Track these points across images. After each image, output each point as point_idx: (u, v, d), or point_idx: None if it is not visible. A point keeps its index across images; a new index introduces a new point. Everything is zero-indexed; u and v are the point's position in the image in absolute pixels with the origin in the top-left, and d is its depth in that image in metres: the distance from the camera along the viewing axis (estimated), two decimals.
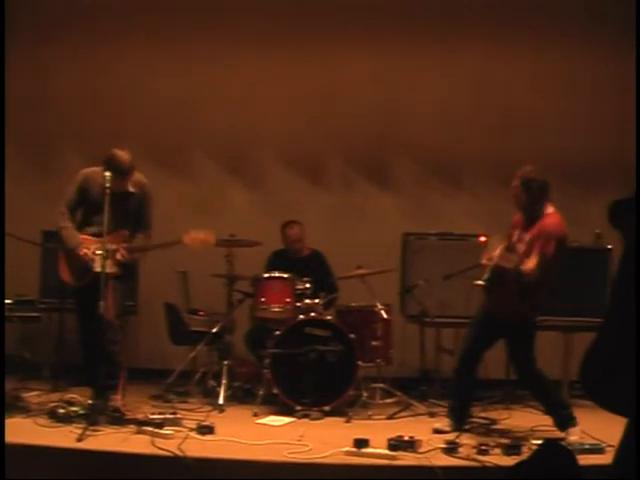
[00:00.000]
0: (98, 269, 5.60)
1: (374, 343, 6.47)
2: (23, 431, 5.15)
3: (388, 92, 7.86)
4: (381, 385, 6.54)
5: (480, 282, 5.38)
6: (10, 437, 4.71)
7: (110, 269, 5.57)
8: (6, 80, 7.50)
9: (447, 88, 7.84)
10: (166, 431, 5.22)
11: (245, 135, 7.88)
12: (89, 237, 5.79)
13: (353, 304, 6.79)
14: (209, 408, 6.15)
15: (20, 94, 7.66)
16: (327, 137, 7.88)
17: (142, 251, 5.89)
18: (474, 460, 4.84)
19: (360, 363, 6.22)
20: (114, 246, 5.64)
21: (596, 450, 5.02)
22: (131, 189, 5.83)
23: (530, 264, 5.19)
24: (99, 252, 5.58)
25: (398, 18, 7.80)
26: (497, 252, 5.28)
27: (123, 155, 5.71)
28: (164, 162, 7.81)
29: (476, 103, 7.80)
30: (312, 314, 6.43)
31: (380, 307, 6.52)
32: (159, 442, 4.99)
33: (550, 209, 5.38)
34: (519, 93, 7.81)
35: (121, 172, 5.67)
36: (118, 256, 5.65)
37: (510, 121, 7.79)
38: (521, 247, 5.34)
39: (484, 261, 5.38)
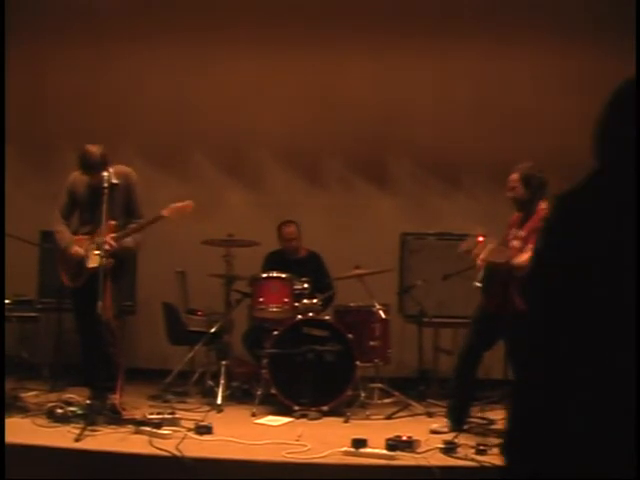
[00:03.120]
0: (91, 265, 5.61)
1: (372, 343, 6.47)
2: (21, 431, 5.15)
3: (386, 92, 7.86)
4: (379, 385, 6.54)
5: (477, 284, 5.38)
6: (8, 437, 4.72)
7: (100, 263, 5.55)
8: (6, 80, 7.50)
9: (446, 88, 7.84)
10: (164, 431, 5.22)
11: (243, 135, 7.89)
12: (82, 237, 5.81)
13: (351, 304, 6.79)
14: (207, 408, 6.15)
15: (20, 94, 7.67)
16: (325, 137, 7.88)
17: (128, 236, 5.81)
18: (472, 460, 4.83)
19: (358, 363, 6.22)
20: (102, 238, 5.63)
21: None
22: (114, 180, 5.75)
23: (523, 258, 5.20)
24: (96, 251, 5.58)
25: (397, 18, 7.80)
26: (488, 249, 5.29)
27: (93, 150, 5.67)
28: (163, 162, 7.82)
29: (475, 103, 7.80)
30: (310, 314, 6.43)
31: (378, 307, 6.52)
32: (157, 442, 4.99)
33: (544, 205, 5.38)
34: (518, 93, 7.80)
35: (93, 167, 5.65)
36: (106, 246, 5.62)
37: (509, 121, 7.78)
38: (516, 244, 5.35)
39: (479, 261, 5.38)
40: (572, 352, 1.81)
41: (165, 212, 5.76)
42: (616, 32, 7.47)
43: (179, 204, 5.79)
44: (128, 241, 5.81)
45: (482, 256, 5.28)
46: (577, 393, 1.80)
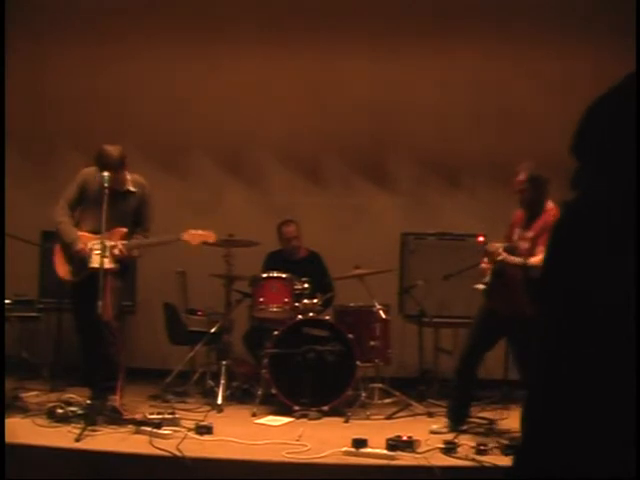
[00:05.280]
0: (94, 265, 5.61)
1: (372, 343, 6.47)
2: (21, 431, 5.14)
3: (386, 92, 7.86)
4: (379, 385, 6.54)
5: (480, 286, 5.37)
6: (8, 437, 4.71)
7: (108, 265, 5.56)
8: (6, 80, 7.50)
9: (445, 88, 7.84)
10: (164, 431, 5.21)
11: (244, 135, 7.89)
12: (87, 234, 5.80)
13: (351, 304, 6.79)
14: (207, 408, 6.15)
15: (20, 94, 7.66)
16: (325, 137, 7.88)
17: (140, 247, 5.87)
18: (473, 460, 4.84)
19: (359, 363, 6.22)
20: (111, 242, 5.64)
21: None
22: (131, 188, 5.83)
23: (538, 258, 5.19)
24: (97, 250, 5.58)
25: (397, 18, 7.81)
26: (500, 251, 5.28)
27: (112, 150, 5.68)
28: (163, 162, 7.82)
29: (474, 102, 7.80)
30: (310, 314, 6.43)
31: (379, 307, 6.52)
32: (157, 442, 4.98)
33: (550, 205, 5.39)
34: (518, 92, 7.80)
35: (110, 167, 5.64)
36: (116, 251, 5.64)
37: (509, 120, 7.79)
38: (524, 245, 5.34)
39: (483, 265, 5.38)
40: (580, 357, 1.81)
41: (186, 237, 5.80)
42: (616, 32, 7.46)
43: (201, 232, 5.83)
44: (136, 251, 5.85)
45: (501, 256, 5.25)
46: (593, 395, 1.80)
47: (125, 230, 5.77)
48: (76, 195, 5.88)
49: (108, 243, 5.61)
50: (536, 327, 1.95)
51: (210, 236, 5.89)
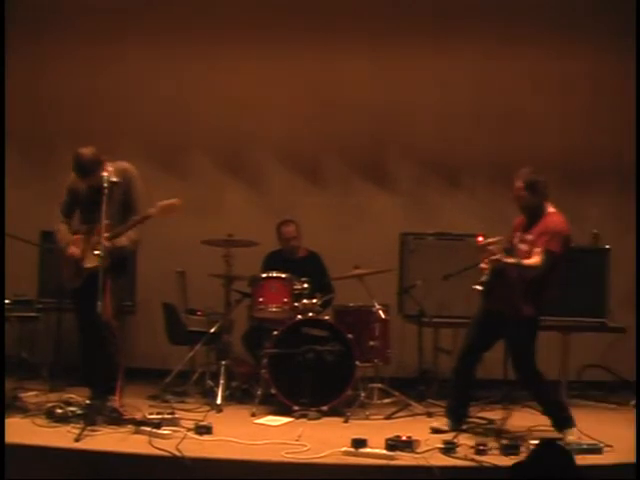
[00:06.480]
0: (88, 265, 5.62)
1: (372, 343, 6.47)
2: (21, 431, 5.15)
3: (387, 92, 7.86)
4: (379, 385, 6.54)
5: (478, 286, 5.37)
6: (8, 437, 4.72)
7: (99, 262, 5.53)
8: (6, 80, 7.50)
9: (446, 88, 7.84)
10: (164, 431, 5.22)
11: (243, 135, 7.89)
12: (80, 236, 5.80)
13: (351, 304, 6.79)
14: (207, 408, 6.16)
15: (20, 94, 7.65)
16: (325, 137, 7.88)
17: (119, 235, 5.70)
18: (472, 460, 4.85)
19: (358, 363, 6.22)
20: (97, 238, 5.60)
21: (594, 450, 5.02)
22: (114, 179, 5.70)
23: (534, 259, 5.21)
24: (96, 252, 5.57)
25: (397, 18, 7.80)
26: (496, 249, 5.29)
27: (84, 153, 5.63)
28: (162, 162, 7.81)
29: (475, 103, 7.80)
30: (310, 314, 6.43)
31: (378, 307, 6.52)
32: (157, 442, 4.99)
33: (551, 208, 5.41)
34: (518, 93, 7.80)
35: (86, 170, 5.63)
36: (100, 246, 5.59)
37: (509, 121, 7.79)
38: (524, 247, 5.36)
39: (483, 264, 5.38)
40: None
41: (152, 211, 5.66)
42: (616, 32, 7.47)
43: (167, 202, 5.68)
44: (122, 240, 5.74)
45: (496, 256, 5.26)
46: None
47: (107, 222, 5.60)
48: (67, 200, 5.91)
49: (94, 240, 5.60)
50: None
51: (175, 203, 5.66)
